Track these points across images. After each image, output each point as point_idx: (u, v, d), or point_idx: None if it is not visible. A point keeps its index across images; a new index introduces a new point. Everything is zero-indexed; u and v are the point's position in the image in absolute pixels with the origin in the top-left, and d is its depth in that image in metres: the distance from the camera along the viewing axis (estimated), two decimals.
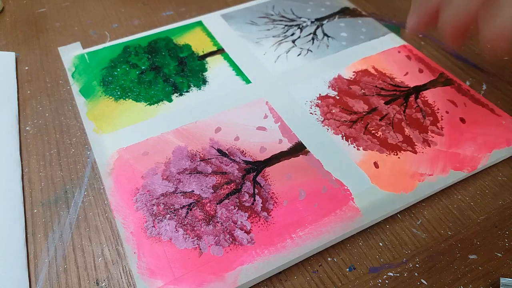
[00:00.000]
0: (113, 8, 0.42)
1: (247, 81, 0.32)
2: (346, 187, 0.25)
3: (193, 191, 0.25)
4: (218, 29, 0.37)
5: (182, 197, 0.25)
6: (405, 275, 0.22)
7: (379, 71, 0.32)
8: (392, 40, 0.35)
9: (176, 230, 0.23)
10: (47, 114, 0.31)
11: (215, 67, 0.33)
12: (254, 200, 0.24)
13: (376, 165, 0.26)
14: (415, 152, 0.26)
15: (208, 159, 0.26)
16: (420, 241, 0.24)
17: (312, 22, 0.38)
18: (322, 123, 0.28)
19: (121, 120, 0.29)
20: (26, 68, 0.36)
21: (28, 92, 0.33)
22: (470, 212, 0.25)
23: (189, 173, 0.26)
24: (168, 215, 0.24)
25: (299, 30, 0.37)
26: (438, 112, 0.29)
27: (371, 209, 0.24)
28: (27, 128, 0.31)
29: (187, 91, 0.31)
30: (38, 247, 0.24)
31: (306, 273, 0.23)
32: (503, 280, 0.22)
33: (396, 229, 0.24)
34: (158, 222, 0.23)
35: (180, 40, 0.36)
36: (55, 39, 0.38)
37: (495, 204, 0.25)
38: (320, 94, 0.30)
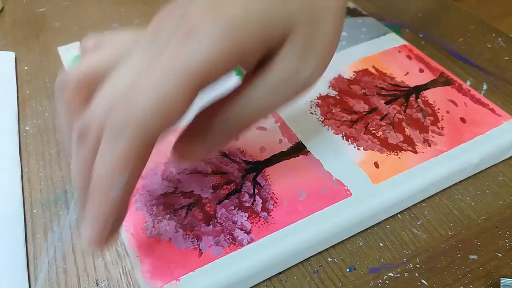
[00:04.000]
0: (113, 8, 0.42)
1: None
2: (346, 187, 0.24)
3: (193, 191, 0.25)
4: None
5: (182, 197, 0.25)
6: (406, 275, 0.22)
7: (379, 71, 0.32)
8: (392, 40, 0.35)
9: (176, 230, 0.23)
10: (46, 114, 0.31)
11: None
12: (254, 200, 0.24)
13: (376, 165, 0.26)
14: (416, 152, 0.26)
15: (208, 159, 0.26)
16: (420, 241, 0.24)
17: None
18: (322, 123, 0.28)
19: None
20: (26, 68, 0.35)
21: (28, 92, 0.33)
22: (470, 212, 0.25)
23: (189, 173, 0.26)
24: (168, 216, 0.24)
25: None
26: (438, 112, 0.29)
27: None
28: (26, 128, 0.30)
29: None
30: (37, 248, 0.24)
31: (306, 274, 0.23)
32: (503, 281, 0.22)
33: (396, 229, 0.24)
34: (158, 223, 0.23)
35: None
36: (55, 39, 0.38)
37: (495, 204, 0.25)
38: (320, 94, 0.30)
